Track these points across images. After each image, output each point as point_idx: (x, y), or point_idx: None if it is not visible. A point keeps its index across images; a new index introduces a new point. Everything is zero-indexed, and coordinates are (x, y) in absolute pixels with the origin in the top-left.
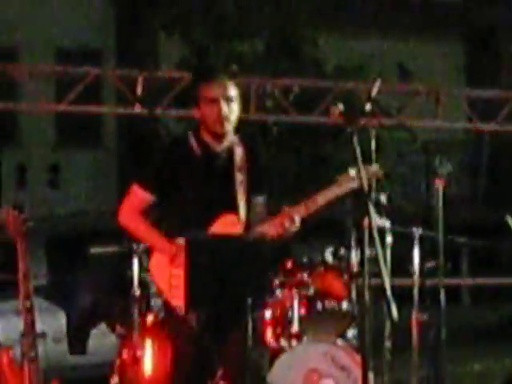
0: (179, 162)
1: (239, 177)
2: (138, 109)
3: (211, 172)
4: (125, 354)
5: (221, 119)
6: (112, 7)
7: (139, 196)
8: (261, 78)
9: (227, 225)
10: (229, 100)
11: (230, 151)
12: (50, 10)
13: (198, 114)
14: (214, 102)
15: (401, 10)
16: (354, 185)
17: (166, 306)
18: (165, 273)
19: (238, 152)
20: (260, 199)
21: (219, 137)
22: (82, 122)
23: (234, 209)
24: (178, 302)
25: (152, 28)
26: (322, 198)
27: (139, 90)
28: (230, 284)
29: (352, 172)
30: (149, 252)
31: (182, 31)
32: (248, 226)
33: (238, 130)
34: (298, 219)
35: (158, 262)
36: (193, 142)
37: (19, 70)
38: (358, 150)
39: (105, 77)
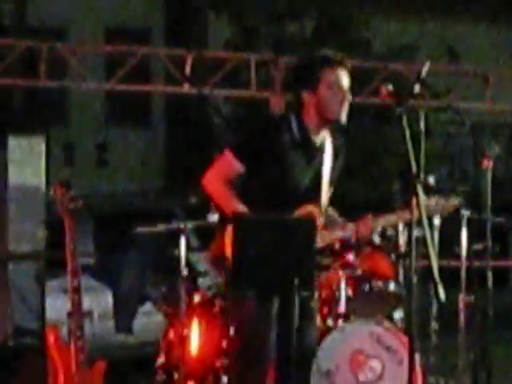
0: (278, 142)
1: (326, 170)
2: (186, 88)
3: (305, 160)
4: (171, 334)
5: (343, 106)
6: None
7: (230, 163)
8: None
9: (307, 216)
10: (348, 90)
11: (323, 143)
12: None
13: (308, 98)
14: (341, 88)
15: None
16: (431, 213)
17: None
18: None
19: (329, 146)
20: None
21: (326, 124)
22: (131, 101)
23: (317, 200)
24: None
25: (201, 7)
26: (402, 219)
27: (188, 70)
28: (276, 263)
29: (432, 200)
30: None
31: (230, 11)
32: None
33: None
34: (377, 229)
35: None
36: (294, 125)
37: (68, 49)
38: (407, 131)
39: (153, 56)
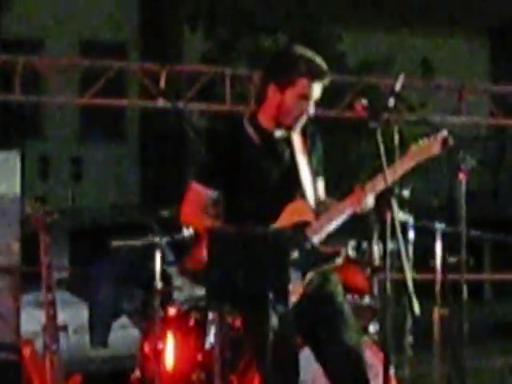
0: (237, 151)
1: (302, 160)
2: (161, 102)
3: (273, 159)
4: (146, 347)
5: (302, 118)
6: (136, 1)
7: (199, 193)
8: None
9: (295, 213)
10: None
11: (288, 136)
12: (73, 3)
13: (272, 94)
14: (308, 100)
15: (425, 4)
16: (427, 155)
17: None
18: None
19: (296, 137)
20: (320, 182)
21: (278, 126)
22: (106, 115)
23: (300, 194)
24: None
25: (176, 22)
26: (400, 169)
27: (162, 84)
28: (249, 277)
29: (424, 142)
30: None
31: (205, 25)
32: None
33: None
34: (372, 195)
35: None
36: (249, 128)
37: (43, 63)
38: (381, 146)
39: (128, 70)
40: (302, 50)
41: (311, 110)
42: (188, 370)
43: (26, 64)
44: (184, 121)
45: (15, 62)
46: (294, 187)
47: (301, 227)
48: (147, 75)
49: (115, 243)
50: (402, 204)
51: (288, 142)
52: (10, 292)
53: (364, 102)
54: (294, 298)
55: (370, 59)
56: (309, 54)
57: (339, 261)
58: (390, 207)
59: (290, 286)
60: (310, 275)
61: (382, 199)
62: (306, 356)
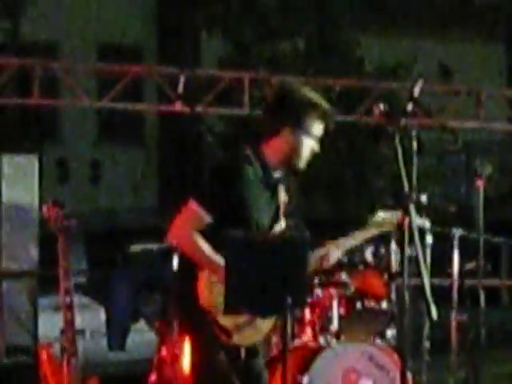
0: (245, 189)
1: (282, 204)
2: (179, 107)
3: (269, 196)
4: (163, 352)
5: (306, 157)
6: (154, 4)
7: (198, 215)
8: (302, 77)
9: None
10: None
11: (279, 178)
12: (91, 7)
13: (284, 139)
14: (313, 139)
15: (442, 9)
16: (386, 228)
17: (213, 326)
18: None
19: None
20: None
21: (283, 166)
22: (123, 119)
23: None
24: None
25: (193, 26)
26: (356, 240)
27: (181, 88)
28: (267, 282)
29: (381, 215)
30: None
31: (223, 29)
32: None
33: None
34: (335, 256)
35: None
36: (257, 166)
37: (61, 67)
38: (399, 151)
39: (146, 74)
40: (310, 93)
41: (316, 148)
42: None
43: (44, 68)
44: (202, 125)
45: (33, 66)
46: (272, 227)
47: None
48: (165, 79)
49: (133, 248)
50: (420, 209)
51: (280, 182)
52: (27, 295)
53: (382, 106)
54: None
55: (388, 64)
56: (317, 97)
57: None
58: (408, 213)
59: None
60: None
61: (400, 205)
62: (321, 364)
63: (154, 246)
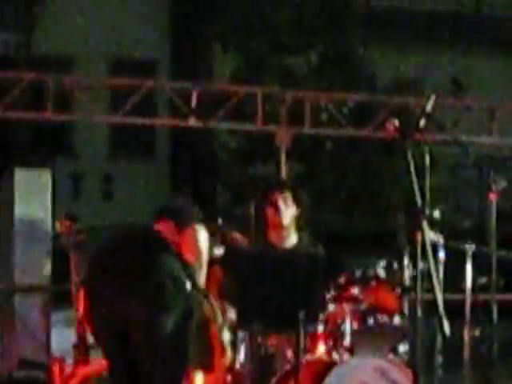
0: None
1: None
2: (192, 121)
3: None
4: None
5: None
6: (167, 19)
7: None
8: (315, 92)
9: None
10: None
11: None
12: (105, 21)
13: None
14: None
15: (454, 23)
16: None
17: None
18: None
19: None
20: None
21: None
22: (136, 133)
23: None
24: None
25: (207, 40)
26: None
27: (194, 103)
28: (280, 297)
29: None
30: None
31: (236, 44)
32: None
33: None
34: None
35: None
36: None
37: (74, 82)
38: (412, 165)
39: (159, 89)
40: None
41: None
42: None
43: (57, 82)
44: (214, 139)
45: (46, 80)
46: None
47: None
48: (178, 94)
49: None
50: (433, 224)
51: None
52: (40, 310)
53: (395, 121)
54: None
55: (400, 79)
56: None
57: None
58: (421, 228)
59: None
60: None
61: (413, 220)
62: (334, 379)
63: None
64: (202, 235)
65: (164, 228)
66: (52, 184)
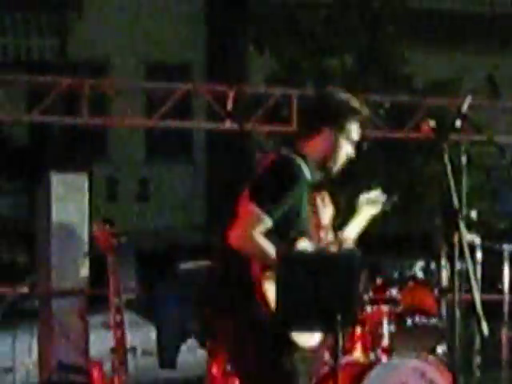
0: (299, 193)
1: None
2: (228, 124)
3: (308, 198)
4: (214, 369)
5: (342, 161)
6: (202, 22)
7: (261, 218)
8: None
9: None
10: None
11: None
12: (139, 25)
13: (324, 136)
14: (353, 143)
15: (490, 23)
16: (374, 210)
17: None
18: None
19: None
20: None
21: (318, 168)
22: (172, 137)
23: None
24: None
25: (242, 43)
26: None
27: (230, 105)
28: (320, 299)
29: (365, 196)
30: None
31: (271, 46)
32: None
33: None
34: None
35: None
36: (305, 169)
37: (110, 85)
38: (448, 166)
39: (195, 92)
40: (351, 98)
41: (352, 152)
42: None
43: (93, 86)
44: (251, 142)
45: (82, 85)
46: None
47: None
48: (214, 97)
49: (183, 265)
50: (470, 225)
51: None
52: (78, 314)
53: (431, 122)
54: None
55: (436, 79)
56: (357, 103)
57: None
58: (458, 228)
59: None
60: None
61: (450, 221)
62: (372, 380)
63: (203, 264)
64: None
65: None
66: (89, 188)
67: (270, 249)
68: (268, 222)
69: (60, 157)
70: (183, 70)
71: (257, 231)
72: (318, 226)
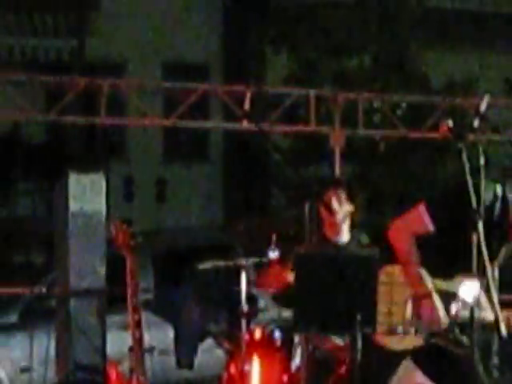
0: None
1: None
2: (245, 124)
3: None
4: (232, 369)
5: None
6: (219, 22)
7: (423, 221)
8: (368, 94)
9: None
10: None
11: None
12: (157, 26)
13: None
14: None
15: (507, 23)
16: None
17: None
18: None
19: None
20: None
21: None
22: (189, 137)
23: None
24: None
25: (259, 43)
26: None
27: (247, 105)
28: (337, 299)
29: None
30: None
31: (288, 46)
32: None
33: None
34: None
35: None
36: None
37: (127, 85)
38: (467, 166)
39: (212, 92)
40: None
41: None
42: None
43: (111, 87)
44: (268, 142)
45: (99, 85)
46: None
47: None
48: (231, 97)
49: (201, 266)
50: None
51: None
52: (96, 314)
53: (449, 122)
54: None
55: (454, 79)
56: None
57: None
58: (476, 229)
59: None
60: None
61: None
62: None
63: (221, 263)
64: None
65: None
66: (106, 188)
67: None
68: (429, 227)
69: (78, 157)
70: (201, 70)
71: (413, 231)
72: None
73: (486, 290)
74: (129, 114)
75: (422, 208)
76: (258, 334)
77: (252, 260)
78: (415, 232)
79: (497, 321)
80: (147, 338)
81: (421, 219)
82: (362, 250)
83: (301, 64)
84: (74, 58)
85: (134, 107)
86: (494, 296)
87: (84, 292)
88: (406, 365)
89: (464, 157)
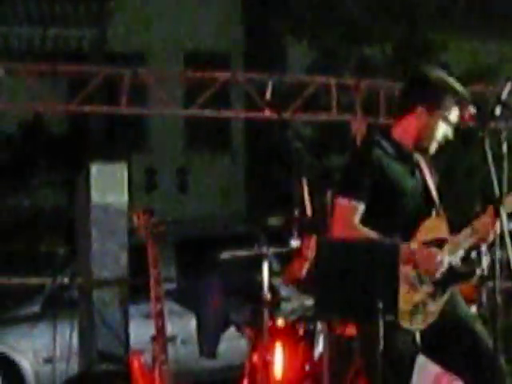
0: (381, 167)
1: (430, 182)
2: (267, 113)
3: (411, 176)
4: (255, 358)
5: (439, 142)
6: (240, 11)
7: (349, 207)
8: (390, 81)
9: (432, 230)
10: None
11: (418, 158)
12: (178, 15)
13: (418, 115)
14: (449, 124)
15: None
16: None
17: None
18: None
19: (423, 163)
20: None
21: (414, 148)
22: (211, 126)
23: (436, 212)
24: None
25: (280, 32)
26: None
27: (269, 95)
28: (359, 287)
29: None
30: None
31: (310, 35)
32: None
33: None
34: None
35: None
36: (385, 144)
37: (148, 75)
38: (489, 154)
39: (234, 81)
40: (451, 78)
41: (451, 135)
42: (296, 381)
43: (132, 76)
44: (289, 131)
45: (121, 75)
46: (430, 205)
47: (437, 244)
48: (253, 86)
49: (223, 254)
50: (511, 213)
51: (419, 163)
52: (118, 303)
53: (472, 110)
54: (433, 317)
55: (475, 67)
56: (452, 79)
57: (474, 279)
58: (499, 216)
59: (432, 306)
60: (447, 293)
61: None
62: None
63: (243, 253)
64: None
65: None
66: (128, 177)
67: (372, 234)
68: (360, 207)
69: (99, 147)
70: (222, 59)
71: (353, 220)
72: None
73: (509, 278)
74: (150, 103)
75: (343, 200)
76: (280, 323)
77: (274, 249)
78: (355, 220)
79: None
80: (170, 327)
81: (350, 207)
82: (384, 238)
83: (322, 52)
84: (95, 48)
85: (156, 97)
86: None
87: (106, 282)
88: (419, 363)
89: (486, 144)
